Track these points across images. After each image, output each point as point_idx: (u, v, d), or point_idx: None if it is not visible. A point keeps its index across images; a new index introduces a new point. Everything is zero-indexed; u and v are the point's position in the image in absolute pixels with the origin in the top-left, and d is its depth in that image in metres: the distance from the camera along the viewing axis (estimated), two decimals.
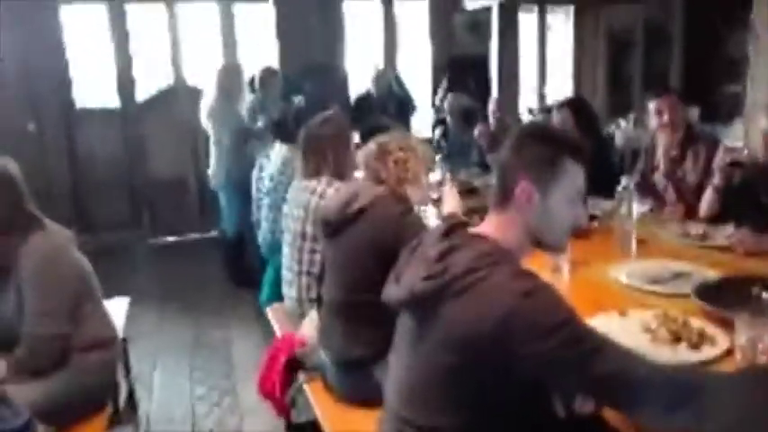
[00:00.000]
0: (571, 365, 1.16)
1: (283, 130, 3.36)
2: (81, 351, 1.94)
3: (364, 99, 5.47)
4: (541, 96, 6.92)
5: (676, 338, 1.59)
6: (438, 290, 1.25)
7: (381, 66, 5.65)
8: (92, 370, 1.95)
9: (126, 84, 5.75)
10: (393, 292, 1.37)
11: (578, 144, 1.41)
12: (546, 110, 4.28)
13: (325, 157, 2.55)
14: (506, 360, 1.17)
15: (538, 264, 2.19)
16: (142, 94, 5.86)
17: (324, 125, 2.60)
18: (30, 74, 5.22)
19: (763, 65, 3.84)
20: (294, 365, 2.29)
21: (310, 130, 2.60)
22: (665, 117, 2.97)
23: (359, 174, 2.31)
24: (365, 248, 1.94)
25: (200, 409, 3.03)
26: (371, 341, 1.90)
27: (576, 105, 3.56)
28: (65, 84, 5.53)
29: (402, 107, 5.66)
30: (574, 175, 1.36)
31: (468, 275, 1.23)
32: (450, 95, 5.30)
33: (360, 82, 6.11)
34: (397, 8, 6.56)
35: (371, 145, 2.12)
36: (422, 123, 6.19)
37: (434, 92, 6.39)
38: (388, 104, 5.37)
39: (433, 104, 6.18)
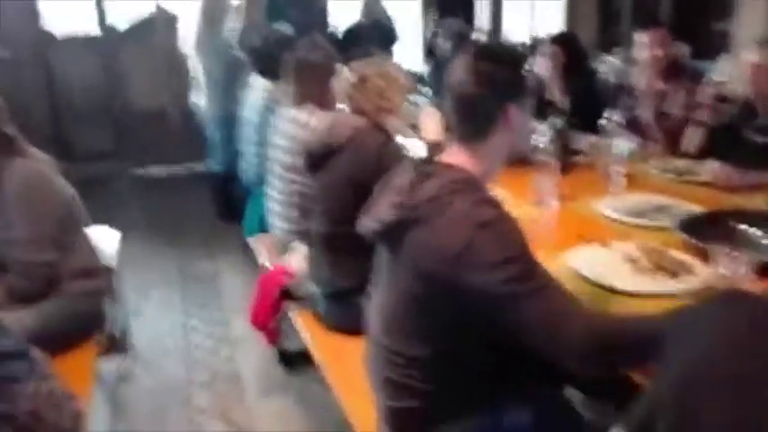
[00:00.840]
0: (513, 300, 1.17)
1: (264, 62, 3.24)
2: (69, 279, 1.94)
3: (354, 30, 5.31)
4: (532, 29, 6.78)
5: (657, 267, 1.63)
6: (404, 218, 1.27)
7: None
8: (80, 298, 1.97)
9: (103, 11, 5.52)
10: (366, 223, 1.39)
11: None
12: (535, 44, 4.19)
13: (314, 84, 2.51)
14: (462, 290, 1.20)
15: (524, 197, 2.24)
16: (121, 22, 5.65)
17: (314, 52, 2.54)
18: None
19: (749, 2, 3.78)
20: (284, 296, 2.33)
21: (300, 56, 2.55)
22: (653, 51, 2.95)
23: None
24: (346, 181, 1.95)
25: (192, 339, 3.09)
26: (357, 272, 1.92)
27: (565, 42, 3.49)
28: (34, 9, 5.30)
29: (386, 37, 5.53)
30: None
31: (431, 203, 1.25)
32: (446, 20, 5.16)
33: (340, 11, 5.95)
34: None
35: (349, 74, 2.08)
36: (407, 55, 6.06)
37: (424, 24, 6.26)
38: (375, 35, 5.23)
39: (424, 39, 6.04)
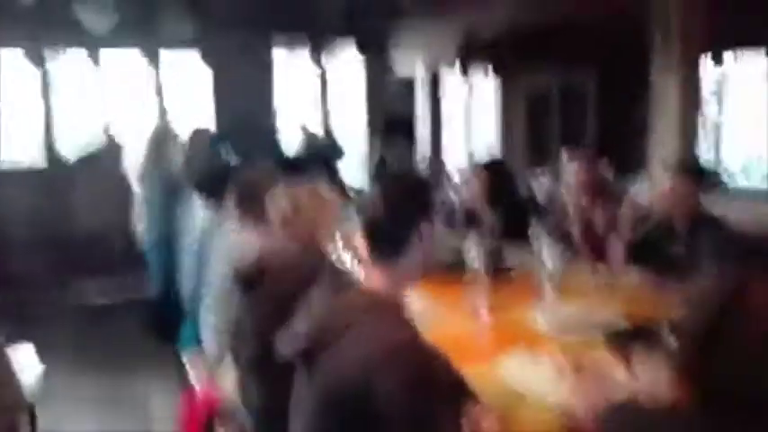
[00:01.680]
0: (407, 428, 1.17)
1: (206, 186, 3.32)
2: None
3: (293, 160, 5.53)
4: (470, 155, 7.20)
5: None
6: (316, 341, 1.28)
7: (306, 126, 5.72)
8: None
9: (49, 139, 5.60)
10: (282, 346, 1.39)
11: None
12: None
13: (254, 204, 2.55)
14: (369, 414, 1.17)
15: (457, 307, 2.28)
16: (68, 149, 5.72)
17: (255, 173, 2.62)
18: None
19: (662, 123, 4.16)
20: (214, 421, 2.23)
21: (248, 180, 2.61)
22: (578, 171, 3.16)
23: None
24: (278, 303, 1.92)
25: None
26: (288, 396, 1.88)
27: (493, 166, 3.71)
28: None
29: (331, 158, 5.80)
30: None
31: (342, 325, 1.26)
32: (392, 151, 5.45)
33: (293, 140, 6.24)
34: (330, 72, 6.78)
35: (283, 201, 2.13)
36: (353, 178, 6.32)
37: (370, 149, 6.61)
38: (316, 164, 5.42)
39: (369, 163, 6.35)
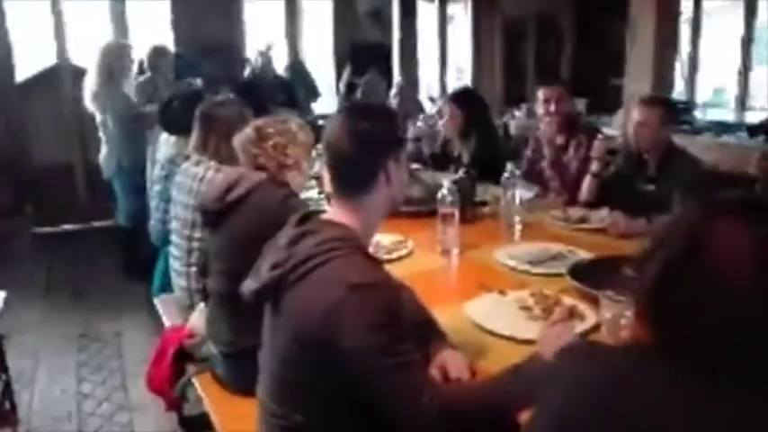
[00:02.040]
0: (374, 370, 1.18)
1: (169, 117, 3.18)
2: None
3: (252, 82, 5.30)
4: (443, 85, 7.07)
5: (549, 315, 1.68)
6: (281, 277, 1.26)
7: (264, 47, 5.45)
8: None
9: (4, 62, 5.30)
10: (247, 283, 1.36)
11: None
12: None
13: (219, 139, 2.46)
14: (334, 355, 1.18)
15: (428, 247, 2.28)
16: (23, 73, 5.44)
17: (226, 107, 2.52)
18: None
19: (638, 59, 4.11)
20: (183, 358, 2.23)
21: (210, 110, 2.51)
22: (552, 106, 3.11)
23: None
24: (246, 237, 1.89)
25: (87, 407, 2.89)
26: (256, 331, 1.87)
27: (463, 98, 3.62)
28: None
29: (308, 93, 5.62)
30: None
31: (308, 261, 1.23)
32: (366, 78, 5.27)
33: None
34: None
35: (248, 130, 2.05)
36: (325, 108, 6.16)
37: (338, 77, 6.38)
38: (276, 90, 5.24)
39: (338, 90, 6.15)
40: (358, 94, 5.23)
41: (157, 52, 4.45)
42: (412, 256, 2.26)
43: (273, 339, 1.33)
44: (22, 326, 3.47)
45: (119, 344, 3.48)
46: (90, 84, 4.06)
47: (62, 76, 5.45)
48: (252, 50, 6.04)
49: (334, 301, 1.17)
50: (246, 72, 5.38)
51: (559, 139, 3.18)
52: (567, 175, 3.12)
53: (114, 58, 4.04)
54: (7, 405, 2.65)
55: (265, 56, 5.31)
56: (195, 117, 2.54)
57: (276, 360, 1.31)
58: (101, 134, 4.18)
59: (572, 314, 1.68)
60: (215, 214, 2.00)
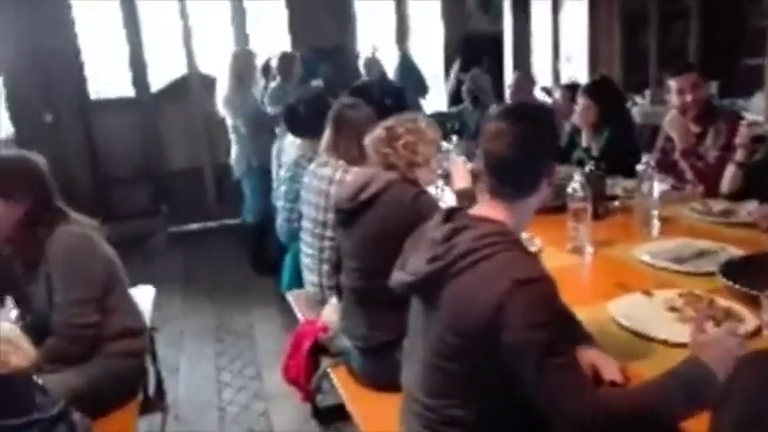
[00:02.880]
0: (536, 367, 1.16)
1: (295, 120, 3.32)
2: (111, 340, 1.97)
3: (363, 87, 5.39)
4: (556, 74, 6.83)
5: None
6: (440, 271, 1.27)
7: (372, 53, 5.52)
8: (122, 358, 1.99)
9: (139, 74, 5.77)
10: (400, 277, 1.39)
11: None
12: (569, 86, 4.18)
13: (351, 141, 2.54)
14: (496, 348, 1.19)
15: (559, 244, 2.22)
16: (156, 83, 5.88)
17: (354, 110, 2.59)
18: (44, 66, 5.25)
19: None
20: (318, 351, 2.32)
21: (342, 113, 2.59)
22: (687, 96, 2.91)
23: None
24: (380, 234, 1.94)
25: (226, 395, 3.09)
26: (392, 326, 1.91)
27: (597, 92, 3.47)
28: (79, 75, 5.57)
29: (417, 89, 5.64)
30: None
31: (468, 255, 1.25)
32: (469, 75, 5.24)
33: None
34: None
35: (379, 130, 2.10)
36: (435, 102, 6.17)
37: (447, 71, 6.36)
38: (384, 95, 5.27)
39: (447, 83, 6.13)
40: (463, 89, 5.18)
41: (286, 58, 4.67)
42: (541, 254, 2.20)
43: (427, 331, 1.34)
44: (165, 318, 3.76)
45: (252, 336, 3.69)
46: (223, 90, 4.35)
47: (192, 85, 5.84)
48: (363, 50, 6.18)
49: (500, 296, 1.17)
50: (361, 78, 5.47)
51: (695, 128, 2.97)
52: (705, 165, 2.91)
53: (243, 65, 4.32)
54: (153, 392, 2.88)
55: (372, 61, 5.36)
56: (327, 119, 2.62)
57: (430, 352, 1.33)
58: (232, 137, 4.44)
59: (728, 316, 1.58)
60: (348, 213, 2.06)
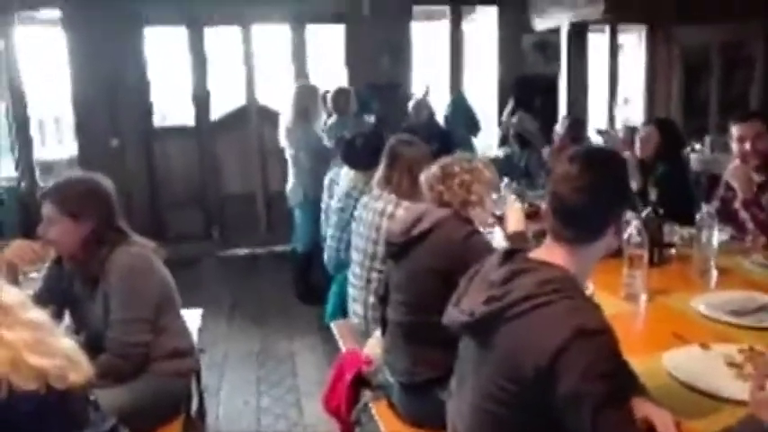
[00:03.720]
0: (590, 417, 1.13)
1: (353, 153, 3.40)
2: (161, 359, 2.01)
3: (410, 130, 5.41)
4: (611, 118, 6.77)
5: (765, 374, 1.51)
6: (497, 313, 1.25)
7: (420, 96, 5.55)
8: (170, 378, 2.03)
9: (201, 103, 6.00)
10: (454, 315, 1.37)
11: None
12: (630, 128, 4.18)
13: (405, 177, 2.57)
14: (549, 396, 1.16)
15: (613, 290, 2.16)
16: (217, 113, 6.10)
17: (410, 146, 2.63)
18: (114, 92, 5.53)
19: None
20: (359, 383, 2.30)
21: (397, 148, 2.63)
22: (748, 144, 2.83)
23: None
24: (429, 270, 1.94)
25: (265, 420, 3.09)
26: (436, 363, 1.90)
27: (664, 124, 3.46)
28: (145, 102, 5.83)
29: (469, 128, 5.67)
30: None
31: (527, 301, 1.22)
32: (516, 118, 5.25)
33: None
34: (465, 27, 6.60)
35: (435, 168, 2.12)
36: (488, 142, 6.17)
37: (500, 112, 6.36)
38: (433, 135, 5.29)
39: (500, 124, 6.14)
40: (509, 132, 5.18)
41: (342, 94, 4.79)
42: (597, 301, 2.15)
43: (479, 373, 1.33)
44: (210, 341, 3.82)
45: (293, 363, 3.70)
46: (285, 122, 4.48)
47: (250, 115, 6.04)
48: (417, 88, 6.26)
49: (560, 344, 1.15)
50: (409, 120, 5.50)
51: (758, 178, 2.88)
52: (766, 216, 2.81)
53: (308, 100, 4.43)
54: (195, 413, 2.91)
55: (421, 103, 5.36)
56: (383, 153, 2.67)
57: (480, 394, 1.31)
58: (290, 168, 4.55)
59: None
60: (399, 247, 2.07)
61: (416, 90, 6.17)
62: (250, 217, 6.10)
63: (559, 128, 4.67)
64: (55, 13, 5.49)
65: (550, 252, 1.35)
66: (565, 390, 1.15)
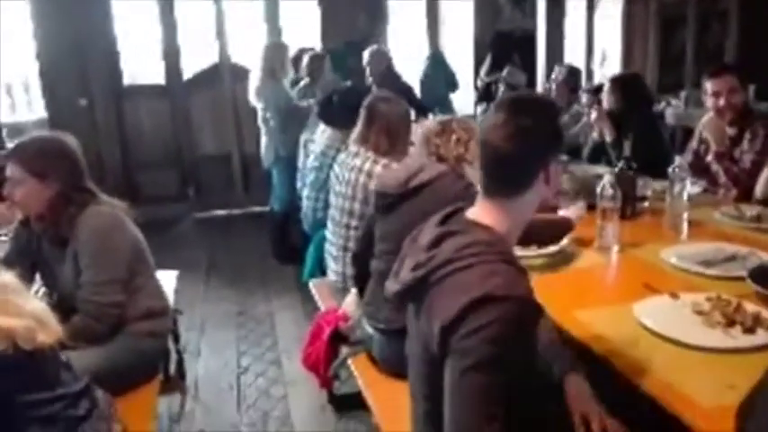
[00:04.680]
0: (456, 369, 1.12)
1: (328, 112, 3.35)
2: (135, 320, 2.00)
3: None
4: (589, 73, 6.74)
5: (730, 322, 1.55)
6: (421, 279, 1.22)
7: (374, 48, 5.39)
8: (144, 338, 2.02)
9: (172, 61, 5.84)
10: (390, 285, 1.33)
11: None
12: (595, 89, 4.16)
13: (391, 135, 2.55)
14: (442, 358, 1.14)
15: (584, 243, 2.19)
16: (188, 72, 5.95)
17: (390, 104, 2.60)
18: (81, 52, 5.37)
19: None
20: (337, 339, 2.32)
21: (375, 105, 2.60)
22: (723, 99, 2.85)
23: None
24: (421, 220, 1.92)
25: (245, 379, 3.12)
26: None
27: (624, 82, 3.45)
28: (113, 61, 5.67)
29: (447, 85, 5.62)
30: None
31: (447, 265, 1.19)
32: (506, 71, 5.18)
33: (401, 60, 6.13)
34: None
35: (433, 122, 2.13)
36: (466, 100, 6.12)
37: (476, 69, 6.30)
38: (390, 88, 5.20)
39: (476, 80, 6.08)
40: (500, 88, 5.13)
41: (316, 60, 4.68)
42: (566, 252, 2.18)
43: (415, 337, 1.32)
44: (188, 302, 3.81)
45: (272, 323, 3.71)
46: (254, 80, 4.40)
47: (223, 74, 5.90)
48: (393, 43, 6.16)
49: (464, 308, 1.11)
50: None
51: (731, 131, 2.91)
52: (739, 169, 2.84)
53: (275, 58, 4.34)
54: (174, 373, 2.92)
55: (379, 51, 5.15)
56: (360, 110, 2.63)
57: (418, 357, 1.31)
58: (261, 127, 4.48)
59: (757, 321, 1.54)
60: (394, 199, 2.04)
61: (393, 46, 6.09)
62: (226, 177, 6.03)
63: (557, 76, 4.60)
64: None
65: (482, 210, 1.29)
66: (453, 347, 1.12)
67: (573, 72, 4.63)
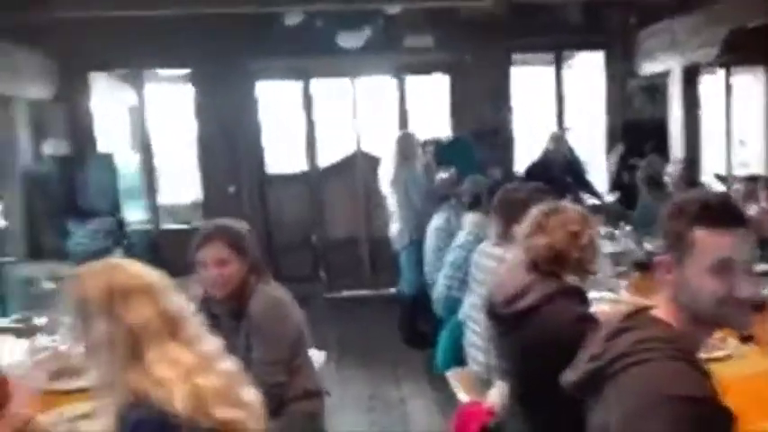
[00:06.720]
0: None
1: (479, 203, 3.44)
2: (294, 401, 2.09)
3: (539, 165, 5.43)
4: (729, 162, 6.44)
5: None
6: (596, 372, 1.23)
7: (557, 130, 5.56)
8: (303, 419, 2.10)
9: (312, 151, 6.31)
10: (566, 376, 1.34)
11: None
12: (749, 177, 3.95)
13: (515, 221, 2.55)
14: None
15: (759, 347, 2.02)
16: (325, 161, 6.40)
17: (518, 191, 2.63)
18: (231, 143, 5.94)
19: None
20: None
21: (505, 193, 2.64)
22: None
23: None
24: (540, 347, 1.83)
25: None
26: (555, 426, 1.82)
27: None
28: (259, 152, 6.23)
29: (575, 173, 5.60)
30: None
31: (621, 359, 1.18)
32: (647, 159, 5.11)
33: (527, 147, 6.21)
34: (568, 72, 6.57)
35: (542, 205, 2.02)
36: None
37: (607, 157, 6.26)
38: (564, 171, 5.30)
39: (610, 169, 6.02)
40: (637, 176, 5.01)
41: (456, 142, 5.05)
42: (736, 356, 2.04)
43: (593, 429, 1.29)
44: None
45: (404, 410, 3.71)
46: (389, 168, 4.71)
47: (357, 163, 6.28)
48: (518, 132, 6.30)
49: (644, 408, 1.09)
50: (539, 154, 5.53)
51: None
52: None
53: (407, 145, 4.71)
54: None
55: (558, 136, 5.47)
56: (495, 201, 2.68)
57: None
58: (394, 212, 4.70)
59: None
60: (505, 321, 1.98)
61: (518, 135, 6.23)
62: (355, 260, 6.26)
63: (674, 171, 4.47)
64: (179, 71, 6.08)
65: (666, 307, 1.27)
66: None
67: (691, 165, 4.47)
